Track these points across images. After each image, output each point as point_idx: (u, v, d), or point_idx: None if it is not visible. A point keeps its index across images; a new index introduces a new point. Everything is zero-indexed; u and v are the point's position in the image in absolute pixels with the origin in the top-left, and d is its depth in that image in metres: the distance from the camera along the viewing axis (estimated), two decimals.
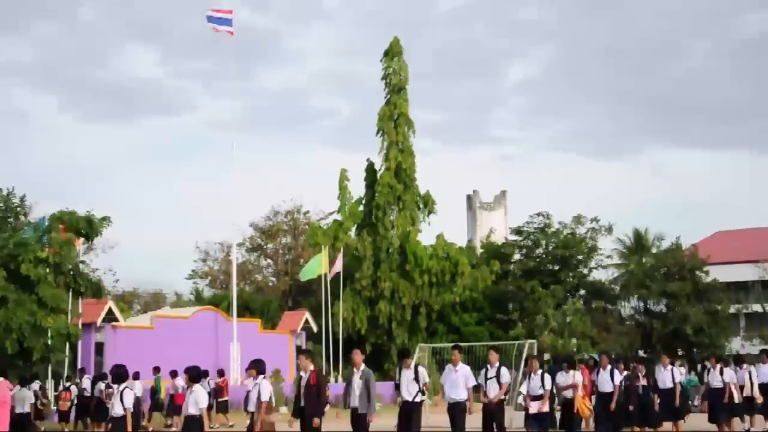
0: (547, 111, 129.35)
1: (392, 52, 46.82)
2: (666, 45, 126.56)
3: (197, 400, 13.41)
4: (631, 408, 18.93)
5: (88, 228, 25.18)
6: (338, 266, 42.11)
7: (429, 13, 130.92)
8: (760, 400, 20.01)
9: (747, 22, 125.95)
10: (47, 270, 23.91)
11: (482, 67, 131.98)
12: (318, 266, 41.15)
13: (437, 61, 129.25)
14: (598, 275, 51.67)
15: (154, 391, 26.09)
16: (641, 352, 49.52)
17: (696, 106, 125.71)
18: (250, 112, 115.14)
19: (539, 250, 50.83)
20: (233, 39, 37.37)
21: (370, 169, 47.44)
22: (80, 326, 28.55)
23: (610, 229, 50.95)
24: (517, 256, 52.30)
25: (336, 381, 40.00)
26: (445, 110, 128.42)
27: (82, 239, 26.66)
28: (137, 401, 23.67)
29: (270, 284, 56.65)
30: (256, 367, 14.56)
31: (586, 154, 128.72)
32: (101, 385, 23.09)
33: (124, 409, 13.59)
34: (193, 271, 58.81)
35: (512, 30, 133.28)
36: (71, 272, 24.79)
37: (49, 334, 23.24)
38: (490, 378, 17.12)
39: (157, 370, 25.92)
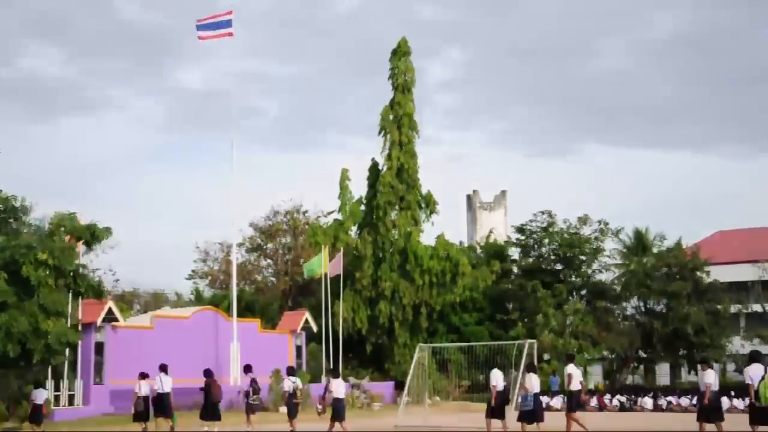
0: (478, 111, 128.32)
1: (400, 52, 46.73)
2: (577, 45, 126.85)
3: None
4: None
5: (89, 237, 25.27)
6: (339, 267, 42.07)
7: (327, 13, 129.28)
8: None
9: (660, 21, 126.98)
10: (47, 272, 23.86)
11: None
12: (320, 265, 41.14)
13: (348, 60, 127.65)
14: (601, 275, 51.64)
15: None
16: (641, 352, 49.59)
17: (618, 106, 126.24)
18: (172, 112, 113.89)
19: (542, 249, 50.75)
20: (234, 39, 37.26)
21: (373, 169, 47.43)
22: (80, 327, 28.56)
23: (617, 232, 50.98)
24: (518, 255, 52.23)
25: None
26: (371, 112, 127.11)
27: (82, 241, 26.60)
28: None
29: (270, 284, 56.60)
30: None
31: (531, 153, 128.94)
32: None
33: None
34: (193, 271, 58.82)
35: (417, 31, 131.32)
36: (72, 274, 24.77)
37: (49, 338, 23.16)
38: None
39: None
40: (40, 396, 23.81)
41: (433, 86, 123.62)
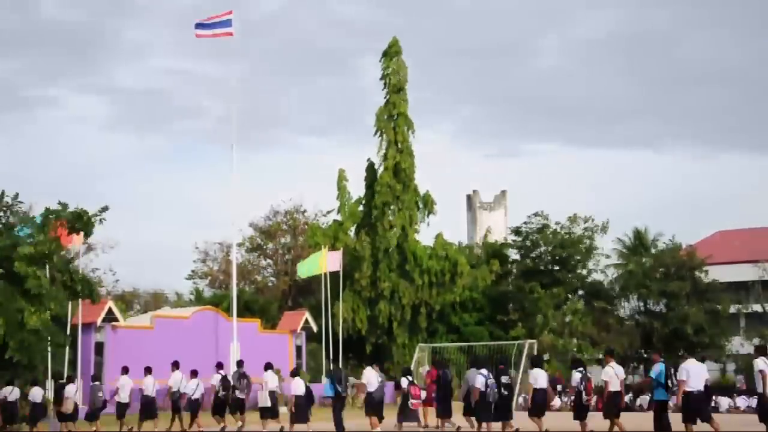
0: (427, 110, 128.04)
1: (391, 52, 46.83)
2: (515, 44, 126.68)
3: None
4: None
5: (81, 224, 24.77)
6: (337, 264, 41.98)
7: (251, 12, 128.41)
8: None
9: (593, 20, 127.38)
10: (37, 267, 23.59)
11: (334, 66, 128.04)
12: (317, 264, 41.06)
13: (281, 60, 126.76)
14: (598, 276, 51.69)
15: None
16: (641, 352, 49.58)
17: (566, 106, 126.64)
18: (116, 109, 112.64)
19: (538, 251, 50.85)
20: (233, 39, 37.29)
21: (370, 169, 47.45)
22: (79, 326, 28.53)
23: (604, 228, 50.91)
24: (516, 257, 52.33)
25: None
26: (320, 112, 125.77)
27: (80, 235, 26.31)
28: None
29: (270, 284, 56.60)
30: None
31: (489, 154, 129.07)
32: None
33: None
34: (193, 271, 58.83)
35: (347, 30, 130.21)
36: (67, 270, 24.59)
37: (27, 331, 22.65)
38: None
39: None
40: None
41: (377, 87, 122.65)
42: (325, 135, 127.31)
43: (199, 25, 36.11)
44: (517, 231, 51.83)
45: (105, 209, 24.76)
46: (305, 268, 41.47)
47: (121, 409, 24.40)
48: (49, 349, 24.72)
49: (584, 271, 50.70)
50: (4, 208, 25.25)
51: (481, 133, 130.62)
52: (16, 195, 25.49)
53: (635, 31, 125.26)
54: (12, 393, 24.01)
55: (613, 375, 20.12)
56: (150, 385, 24.18)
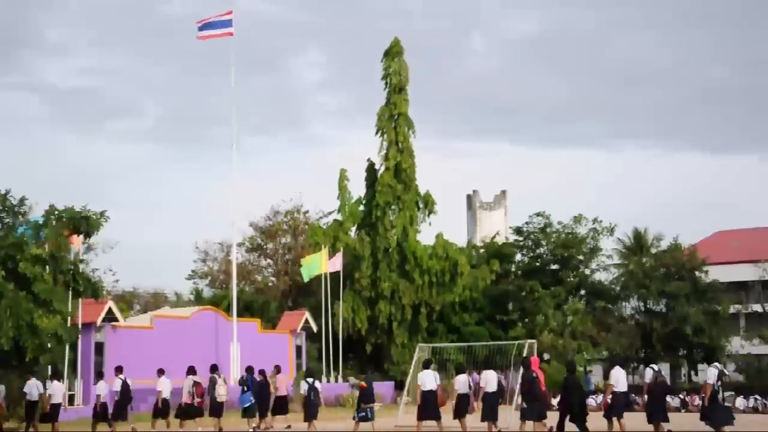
0: (367, 110, 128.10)
1: (392, 52, 46.84)
2: (444, 43, 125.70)
3: None
4: None
5: (85, 225, 24.94)
6: (337, 264, 42.03)
7: (161, 10, 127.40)
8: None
9: (520, 20, 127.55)
10: (45, 268, 23.76)
11: (266, 65, 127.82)
12: (318, 265, 41.11)
13: (206, 60, 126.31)
14: (599, 275, 51.78)
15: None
16: (641, 353, 49.59)
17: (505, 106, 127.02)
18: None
19: (540, 250, 50.92)
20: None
21: (371, 169, 47.46)
22: (80, 326, 28.53)
23: (611, 230, 51.12)
24: (518, 257, 52.38)
25: (336, 381, 40.06)
26: (258, 113, 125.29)
27: (81, 236, 26.47)
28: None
29: (270, 284, 56.59)
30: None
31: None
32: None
33: None
34: (193, 271, 58.81)
35: (275, 30, 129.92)
36: (70, 270, 24.66)
37: (42, 335, 22.98)
38: None
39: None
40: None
41: (308, 87, 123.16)
42: (266, 134, 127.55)
43: (201, 27, 36.27)
44: (519, 230, 51.96)
45: (104, 213, 25.02)
46: (307, 270, 41.51)
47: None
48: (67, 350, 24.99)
49: (587, 271, 50.79)
50: (7, 209, 25.36)
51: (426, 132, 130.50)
52: (22, 198, 25.66)
53: (560, 31, 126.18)
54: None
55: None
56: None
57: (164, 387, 24.03)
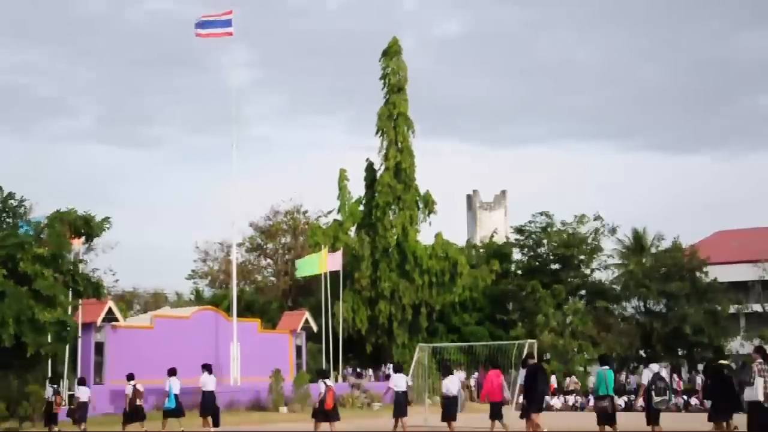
0: (303, 110, 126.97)
1: (391, 52, 46.85)
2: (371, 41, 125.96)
3: None
4: None
5: (87, 228, 25.05)
6: (337, 262, 41.95)
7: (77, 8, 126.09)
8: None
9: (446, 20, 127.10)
10: (44, 267, 23.74)
11: (191, 61, 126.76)
12: (316, 264, 41.05)
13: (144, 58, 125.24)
14: (600, 275, 51.82)
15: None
16: (641, 352, 49.60)
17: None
18: None
19: (541, 249, 50.92)
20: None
21: (370, 169, 47.46)
22: (80, 325, 28.50)
23: (613, 230, 51.18)
24: (518, 256, 52.39)
25: (336, 381, 40.04)
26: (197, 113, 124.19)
27: (82, 239, 26.53)
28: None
29: (270, 284, 56.62)
30: None
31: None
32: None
33: None
34: (193, 271, 58.84)
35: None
36: (70, 271, 24.68)
37: (48, 331, 23.00)
38: None
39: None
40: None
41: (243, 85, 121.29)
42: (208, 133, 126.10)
43: (198, 25, 36.10)
44: (520, 229, 51.93)
45: (107, 219, 25.17)
46: (302, 268, 41.42)
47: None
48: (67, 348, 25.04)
49: (588, 270, 50.81)
50: (8, 210, 25.41)
51: (355, 132, 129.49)
52: (22, 197, 25.73)
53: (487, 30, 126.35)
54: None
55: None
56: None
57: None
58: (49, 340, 23.47)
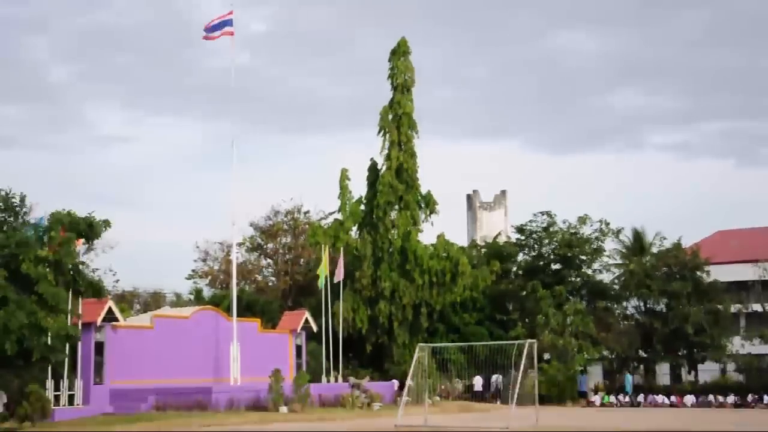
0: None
1: (399, 52, 46.75)
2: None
3: None
4: None
5: (88, 230, 25.16)
6: (340, 274, 41.95)
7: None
8: None
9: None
10: (47, 269, 23.82)
11: (165, 58, 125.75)
12: (323, 269, 41.04)
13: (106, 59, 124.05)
14: (602, 275, 51.70)
15: None
16: (642, 352, 49.56)
17: None
18: None
19: (542, 249, 50.86)
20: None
21: (373, 169, 47.44)
22: (80, 326, 28.54)
23: (617, 232, 51.17)
24: (519, 256, 52.28)
25: (336, 381, 40.00)
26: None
27: (82, 240, 26.60)
28: None
29: (270, 284, 56.60)
30: None
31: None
32: None
33: None
34: (193, 271, 58.77)
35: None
36: (71, 272, 24.72)
37: (49, 335, 23.11)
38: None
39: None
40: None
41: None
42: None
43: (207, 30, 36.72)
44: (521, 229, 51.83)
45: (108, 222, 25.21)
46: (321, 277, 41.24)
47: None
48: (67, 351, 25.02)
49: (589, 271, 50.77)
50: (9, 210, 25.46)
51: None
52: (23, 198, 25.78)
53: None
54: None
55: None
56: None
57: None
58: (50, 343, 23.52)
